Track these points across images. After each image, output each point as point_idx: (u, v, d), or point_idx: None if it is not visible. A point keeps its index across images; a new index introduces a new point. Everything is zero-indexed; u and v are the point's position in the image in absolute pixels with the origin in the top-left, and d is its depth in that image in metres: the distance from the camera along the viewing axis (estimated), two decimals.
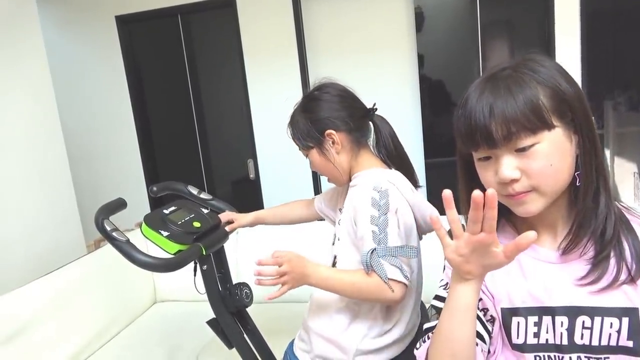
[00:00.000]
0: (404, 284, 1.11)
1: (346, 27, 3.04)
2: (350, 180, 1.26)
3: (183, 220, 1.40)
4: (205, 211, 1.52)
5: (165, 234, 1.34)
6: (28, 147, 2.51)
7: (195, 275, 1.45)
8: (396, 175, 1.21)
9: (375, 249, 1.09)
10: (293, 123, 1.26)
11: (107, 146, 3.52)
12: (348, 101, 1.24)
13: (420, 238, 1.28)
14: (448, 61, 2.96)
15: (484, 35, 2.85)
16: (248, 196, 3.31)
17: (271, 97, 3.14)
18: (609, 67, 2.82)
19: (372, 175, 1.19)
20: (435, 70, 2.97)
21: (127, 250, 1.25)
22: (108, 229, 1.28)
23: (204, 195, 1.62)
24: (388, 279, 1.08)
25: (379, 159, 1.27)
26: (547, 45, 2.73)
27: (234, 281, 1.53)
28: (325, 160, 1.23)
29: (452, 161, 3.16)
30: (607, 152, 2.97)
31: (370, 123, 1.28)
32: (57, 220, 2.65)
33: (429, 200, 3.08)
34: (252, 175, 3.32)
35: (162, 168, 3.56)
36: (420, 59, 2.95)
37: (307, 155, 1.28)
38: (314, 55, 3.09)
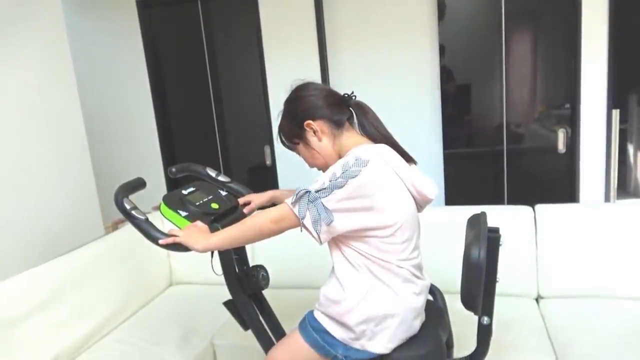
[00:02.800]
0: (311, 234, 1.15)
1: (367, 14, 3.00)
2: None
3: (201, 201, 1.41)
4: (224, 193, 1.52)
5: (184, 214, 1.34)
6: (47, 129, 2.54)
7: (212, 257, 1.45)
8: (385, 149, 1.24)
9: (310, 192, 1.15)
10: (279, 130, 1.35)
11: (125, 130, 3.55)
12: (321, 92, 1.31)
13: (419, 210, 1.31)
14: (470, 51, 2.91)
15: (508, 25, 2.79)
16: (264, 182, 3.31)
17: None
18: (636, 59, 2.75)
19: (360, 148, 1.22)
20: (456, 61, 2.93)
21: (146, 229, 1.26)
22: (127, 207, 1.29)
23: (222, 178, 1.62)
24: (303, 222, 1.14)
25: (365, 136, 1.31)
26: (574, 37, 2.66)
27: (251, 264, 1.53)
28: (311, 151, 1.31)
29: (471, 152, 3.15)
30: (631, 147, 2.91)
31: (351, 110, 1.32)
32: (76, 202, 2.68)
33: (446, 192, 3.05)
34: (268, 162, 3.32)
35: (179, 153, 3.58)
36: (442, 49, 2.91)
37: (299, 154, 1.35)
38: (333, 42, 3.06)
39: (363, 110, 1.32)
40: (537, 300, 2.14)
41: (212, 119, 3.45)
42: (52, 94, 2.57)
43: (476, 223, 1.23)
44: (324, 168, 1.31)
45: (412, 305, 1.23)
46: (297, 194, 1.16)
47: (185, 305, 2.39)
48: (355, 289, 1.21)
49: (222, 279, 1.60)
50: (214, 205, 1.42)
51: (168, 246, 1.26)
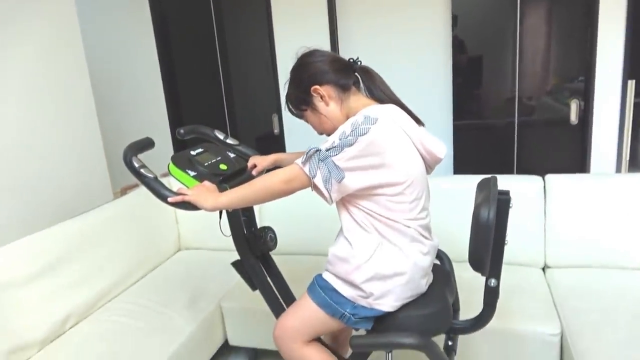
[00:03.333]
0: (322, 193, 1.15)
1: None
2: None
3: (210, 162, 1.41)
4: (232, 155, 1.52)
5: (192, 173, 1.35)
6: (55, 95, 2.53)
7: (220, 217, 1.46)
8: (393, 108, 1.24)
9: (320, 151, 1.15)
10: (287, 98, 1.35)
11: (133, 96, 3.54)
12: (327, 58, 1.30)
13: (428, 172, 1.31)
14: (483, 22, 2.84)
15: None
16: (272, 151, 3.28)
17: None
18: None
19: (369, 108, 1.22)
20: (469, 32, 2.87)
21: (155, 187, 1.26)
22: (136, 165, 1.29)
23: (230, 141, 1.62)
24: (314, 181, 1.14)
25: (373, 100, 1.30)
26: (591, 6, 2.59)
27: (258, 226, 1.54)
28: (319, 116, 1.30)
29: (481, 124, 3.11)
30: None
31: (357, 75, 1.31)
32: (84, 168, 2.69)
33: (455, 163, 3.04)
34: (276, 131, 3.30)
35: (187, 122, 3.57)
36: (454, 19, 2.85)
37: (307, 122, 1.35)
38: (344, 10, 3.00)
39: (369, 75, 1.31)
40: (543, 269, 2.15)
41: (220, 88, 3.42)
42: (59, 60, 2.55)
43: (486, 186, 1.22)
44: (329, 131, 1.31)
45: (420, 264, 1.23)
46: (307, 154, 1.16)
47: (193, 269, 2.42)
48: (363, 247, 1.21)
49: (229, 244, 1.61)
50: (223, 166, 1.42)
51: (177, 204, 1.26)
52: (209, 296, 2.14)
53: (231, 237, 1.45)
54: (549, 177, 2.15)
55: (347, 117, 1.26)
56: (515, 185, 2.12)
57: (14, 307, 1.75)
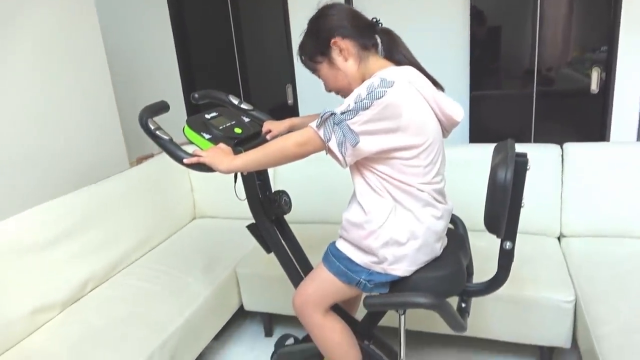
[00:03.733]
0: (336, 156, 1.15)
1: None
2: None
3: (224, 126, 1.41)
4: (246, 120, 1.52)
5: (207, 136, 1.35)
6: (71, 64, 2.54)
7: (235, 181, 1.47)
8: (410, 70, 1.20)
9: (335, 114, 1.13)
10: (301, 48, 1.30)
11: (147, 67, 3.54)
12: (349, 13, 1.26)
13: (444, 135, 1.29)
14: None
15: None
16: None
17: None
18: None
19: (385, 70, 1.19)
20: (488, 1, 2.79)
21: (170, 148, 1.27)
22: (152, 127, 1.29)
23: (244, 106, 1.62)
24: (328, 144, 1.13)
25: (392, 62, 1.25)
26: None
27: (273, 190, 1.55)
28: (335, 71, 1.26)
29: (499, 94, 3.06)
30: None
31: (377, 37, 1.27)
32: (101, 137, 2.72)
33: (471, 133, 3.00)
34: (290, 101, 3.29)
35: (200, 88, 3.57)
36: None
37: (319, 76, 1.30)
38: None
39: (391, 37, 1.27)
40: (559, 238, 2.13)
41: (234, 59, 3.40)
42: (74, 31, 2.56)
43: (503, 148, 1.21)
44: (345, 91, 1.28)
45: (433, 228, 1.23)
46: (322, 117, 1.14)
47: (208, 236, 2.46)
48: (376, 212, 1.21)
49: (243, 213, 1.62)
50: (237, 130, 1.42)
51: (192, 166, 1.27)
52: (224, 262, 2.18)
53: (246, 200, 1.46)
54: (567, 145, 2.11)
55: (363, 77, 1.24)
56: (532, 153, 2.07)
57: (37, 270, 1.80)
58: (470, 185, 2.11)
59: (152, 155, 3.05)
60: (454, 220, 1.51)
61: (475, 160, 2.16)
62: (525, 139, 2.88)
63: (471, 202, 2.01)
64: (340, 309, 1.49)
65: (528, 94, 2.83)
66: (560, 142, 2.17)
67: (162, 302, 1.88)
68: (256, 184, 1.44)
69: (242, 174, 1.42)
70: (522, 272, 1.81)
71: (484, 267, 1.48)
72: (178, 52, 3.45)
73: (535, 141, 2.86)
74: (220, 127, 1.39)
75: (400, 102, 1.13)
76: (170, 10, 3.37)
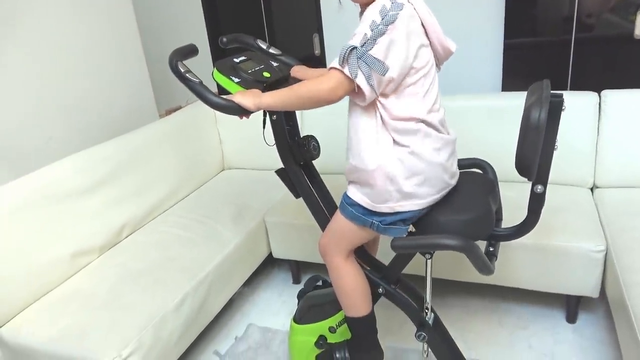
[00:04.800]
0: (363, 93, 1.12)
1: None
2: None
3: (253, 70, 1.40)
4: (275, 64, 1.50)
5: (236, 80, 1.35)
6: (101, 18, 2.55)
7: (264, 127, 1.47)
8: None
9: (356, 47, 1.10)
10: None
11: (174, 19, 3.52)
12: None
13: (438, 68, 1.28)
14: None
15: None
16: None
17: None
18: None
19: None
20: None
21: (200, 91, 1.27)
22: (182, 70, 1.29)
23: (273, 50, 1.60)
24: (356, 81, 1.11)
25: None
26: None
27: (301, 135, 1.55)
28: None
29: (534, 42, 2.93)
30: None
31: None
32: (131, 89, 2.75)
33: (504, 82, 2.89)
34: (317, 51, 3.23)
35: (225, 33, 3.54)
36: None
37: None
38: None
39: None
40: (592, 189, 2.09)
41: (260, 8, 3.34)
42: None
43: (538, 89, 1.17)
44: None
45: (435, 161, 1.21)
46: (343, 55, 1.11)
47: (237, 187, 2.50)
48: (374, 152, 1.21)
49: (270, 164, 1.63)
50: (266, 74, 1.41)
51: (221, 108, 1.27)
52: (253, 211, 2.22)
53: (274, 146, 1.46)
54: (605, 92, 2.03)
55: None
56: (568, 100, 2.01)
57: (76, 215, 1.88)
58: (502, 135, 2.07)
59: (179, 108, 3.08)
60: (483, 165, 1.49)
61: (508, 108, 2.11)
62: (562, 86, 2.77)
63: (502, 151, 1.97)
64: (367, 255, 1.52)
65: (566, 40, 2.70)
66: (599, 90, 2.08)
67: (193, 249, 1.95)
68: (285, 129, 1.44)
69: (271, 119, 1.42)
70: (552, 221, 1.78)
71: (513, 216, 1.46)
72: (204, 4, 3.41)
73: (572, 89, 2.76)
74: (249, 71, 1.38)
75: (410, 24, 1.14)
76: None
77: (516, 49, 2.80)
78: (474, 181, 1.39)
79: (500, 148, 2.01)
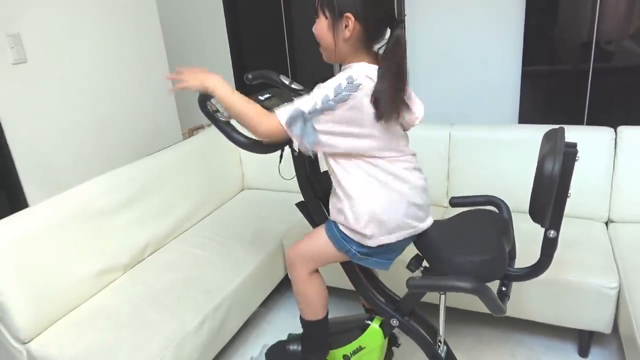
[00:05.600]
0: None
1: None
2: (340, 66, 1.31)
3: (277, 108, 1.46)
4: None
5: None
6: (131, 40, 2.64)
7: (280, 161, 1.53)
8: (375, 70, 1.23)
9: (304, 112, 1.20)
10: None
11: (199, 42, 3.61)
12: (382, 2, 1.26)
13: (404, 130, 1.36)
14: None
15: None
16: None
17: None
18: None
19: (355, 67, 1.23)
20: None
21: (227, 130, 1.34)
22: (210, 109, 1.37)
23: (295, 86, 1.66)
24: (294, 140, 1.23)
25: (375, 57, 1.28)
26: None
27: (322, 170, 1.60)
28: (329, 35, 1.25)
29: (552, 70, 2.95)
30: None
31: (389, 31, 1.27)
32: (157, 109, 2.85)
33: (521, 111, 2.91)
34: None
35: (250, 66, 3.63)
36: None
37: (315, 21, 1.29)
38: None
39: (396, 41, 1.24)
40: (606, 224, 2.10)
41: (282, 33, 3.43)
42: (133, 8, 2.65)
43: (553, 137, 1.21)
44: (325, 51, 1.32)
45: (406, 199, 1.31)
46: (291, 114, 1.22)
47: (256, 208, 2.57)
48: (351, 191, 1.31)
49: (289, 186, 1.69)
50: None
51: (247, 147, 1.34)
52: (271, 234, 2.28)
53: (294, 179, 1.52)
54: (621, 128, 2.06)
55: (343, 59, 1.28)
56: (583, 135, 2.07)
57: (103, 234, 1.95)
58: (517, 167, 2.11)
59: (202, 127, 3.17)
60: (498, 203, 1.53)
61: (522, 141, 2.14)
62: (578, 119, 2.79)
63: (517, 183, 2.01)
64: (381, 287, 1.57)
65: (584, 69, 2.72)
66: (616, 124, 2.11)
67: (214, 269, 2.01)
68: (305, 164, 1.50)
69: (293, 153, 1.48)
70: (566, 255, 1.81)
71: (527, 250, 1.49)
72: (228, 27, 3.50)
73: (589, 122, 2.77)
74: (273, 109, 1.44)
75: (363, 104, 1.19)
76: None
77: (534, 77, 2.82)
78: (489, 221, 1.43)
79: (514, 180, 2.05)
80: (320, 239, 1.42)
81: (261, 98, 1.48)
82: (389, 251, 1.35)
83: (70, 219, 1.84)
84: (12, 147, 2.06)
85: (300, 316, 1.56)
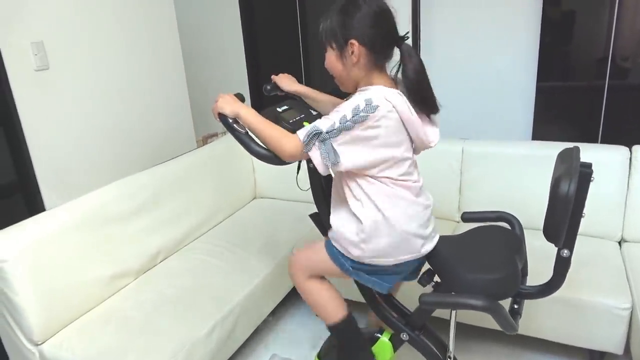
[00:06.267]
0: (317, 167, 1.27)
1: None
2: (355, 90, 1.35)
3: (294, 119, 1.48)
4: (314, 113, 1.58)
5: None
6: (149, 48, 2.68)
7: (298, 172, 1.55)
8: (394, 93, 1.26)
9: (322, 132, 1.24)
10: (326, 18, 1.32)
11: (215, 51, 3.65)
12: (382, 21, 1.28)
13: (415, 153, 1.38)
14: None
15: None
16: None
17: None
18: None
19: (373, 90, 1.26)
20: None
21: (246, 141, 1.36)
22: (229, 120, 1.39)
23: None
24: (312, 158, 1.26)
25: (391, 80, 1.32)
26: None
27: None
28: (338, 64, 1.32)
29: (567, 86, 2.93)
30: None
31: (398, 50, 1.31)
32: (172, 116, 2.88)
33: (535, 128, 2.89)
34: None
35: (266, 77, 3.66)
36: None
37: (325, 55, 1.36)
38: None
39: (407, 56, 1.29)
40: (620, 243, 2.09)
41: (298, 44, 3.46)
42: (152, 16, 2.69)
43: (568, 157, 1.21)
44: (339, 80, 1.39)
45: (407, 224, 1.34)
46: (309, 133, 1.25)
47: (267, 217, 2.58)
48: (354, 215, 1.35)
49: (300, 196, 1.70)
50: (306, 124, 1.49)
51: (265, 158, 1.36)
52: (282, 243, 2.29)
53: (308, 190, 1.54)
54: (636, 147, 2.05)
55: (357, 85, 1.33)
56: (598, 154, 2.06)
57: (116, 239, 1.97)
58: (530, 183, 2.10)
59: (216, 135, 3.20)
60: (511, 220, 1.53)
61: (536, 157, 2.14)
62: (593, 137, 2.77)
63: (531, 200, 2.02)
64: (392, 301, 1.57)
65: (599, 86, 2.70)
66: (631, 143, 2.10)
67: (224, 277, 2.03)
68: (320, 177, 1.51)
69: (308, 166, 1.50)
70: (578, 274, 1.80)
71: (539, 267, 1.49)
72: (245, 38, 3.53)
73: (603, 139, 2.75)
74: (291, 121, 1.46)
75: (380, 124, 1.23)
76: (240, 5, 3.44)
77: (548, 93, 2.81)
78: (501, 237, 1.43)
79: (527, 196, 2.05)
80: (318, 251, 1.47)
81: (279, 110, 1.50)
82: (388, 273, 1.39)
83: (85, 224, 1.86)
84: (32, 152, 2.09)
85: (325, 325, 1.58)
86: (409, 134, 1.29)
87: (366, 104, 1.21)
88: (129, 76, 2.58)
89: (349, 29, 1.27)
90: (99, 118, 2.43)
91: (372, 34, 1.26)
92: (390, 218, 1.31)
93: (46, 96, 2.15)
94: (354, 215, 1.35)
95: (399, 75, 1.32)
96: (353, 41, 1.26)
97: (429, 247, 1.38)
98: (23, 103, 2.05)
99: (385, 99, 1.23)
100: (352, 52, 1.27)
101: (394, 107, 1.24)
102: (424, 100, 1.30)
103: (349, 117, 1.22)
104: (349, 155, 1.25)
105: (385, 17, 1.29)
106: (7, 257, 1.59)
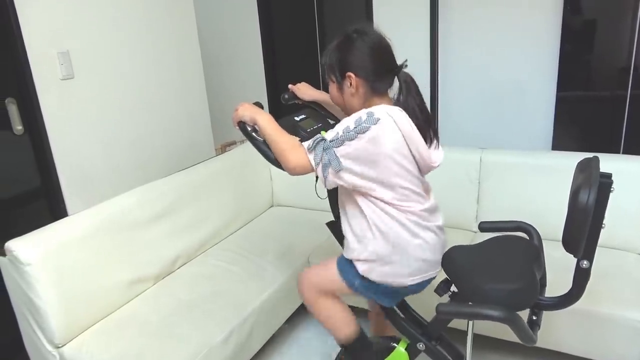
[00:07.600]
0: (321, 178, 1.32)
1: None
2: None
3: (312, 128, 1.50)
4: (332, 122, 1.60)
5: (297, 138, 1.45)
6: (169, 57, 2.74)
7: (317, 180, 1.56)
8: (396, 109, 1.30)
9: (325, 140, 1.28)
10: (326, 54, 1.43)
11: (235, 59, 3.70)
12: (377, 55, 1.35)
13: (421, 174, 1.38)
14: None
15: None
16: None
17: (396, 32, 3.04)
18: None
19: (376, 106, 1.31)
20: None
21: (264, 149, 1.38)
22: (248, 129, 1.41)
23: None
24: (315, 168, 1.31)
25: (392, 103, 1.36)
26: None
27: None
28: (340, 95, 1.41)
29: (588, 96, 2.89)
30: None
31: (397, 78, 1.37)
32: (192, 124, 2.93)
33: (555, 138, 2.86)
34: None
35: (283, 85, 3.69)
36: None
37: (329, 87, 1.45)
38: None
39: (407, 84, 1.35)
40: None
41: (316, 57, 3.49)
42: (172, 25, 2.75)
43: (587, 167, 1.20)
44: (343, 109, 1.46)
45: (412, 245, 1.36)
46: (314, 141, 1.30)
47: (284, 225, 2.60)
48: (360, 233, 1.39)
49: (317, 204, 1.71)
50: (323, 133, 1.50)
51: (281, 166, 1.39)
52: (298, 251, 2.30)
53: (326, 198, 1.55)
54: None
55: (361, 109, 1.35)
56: (619, 165, 2.03)
57: (136, 244, 2.01)
58: (550, 194, 2.08)
59: (234, 143, 3.24)
60: (529, 230, 1.52)
61: (555, 168, 2.12)
62: (614, 147, 2.73)
63: (550, 211, 1.99)
64: (409, 310, 1.57)
65: (621, 96, 2.67)
66: None
67: (241, 284, 2.04)
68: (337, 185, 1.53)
69: None
70: (598, 287, 1.76)
71: (558, 279, 1.47)
72: (264, 47, 3.58)
73: (625, 150, 2.70)
74: (309, 130, 1.48)
75: (382, 137, 1.25)
76: (259, 7, 3.49)
77: (569, 103, 2.78)
78: (519, 247, 1.42)
79: (546, 206, 2.03)
80: (330, 268, 1.50)
81: (296, 119, 1.52)
82: (393, 292, 1.42)
83: (106, 229, 1.90)
84: (56, 158, 2.15)
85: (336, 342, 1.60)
86: (411, 151, 1.31)
87: (368, 116, 1.26)
88: (152, 86, 2.63)
89: (346, 63, 1.36)
90: (122, 126, 2.48)
91: (367, 67, 1.34)
92: (401, 244, 1.34)
93: (71, 104, 2.21)
94: (358, 235, 1.40)
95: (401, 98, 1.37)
96: (350, 74, 1.35)
97: (432, 274, 1.43)
98: (48, 111, 2.12)
99: (387, 113, 1.27)
100: (351, 84, 1.35)
101: (394, 121, 1.27)
102: (420, 127, 1.33)
103: (351, 127, 1.26)
104: (352, 166, 1.28)
105: (380, 50, 1.36)
106: (31, 260, 1.63)
